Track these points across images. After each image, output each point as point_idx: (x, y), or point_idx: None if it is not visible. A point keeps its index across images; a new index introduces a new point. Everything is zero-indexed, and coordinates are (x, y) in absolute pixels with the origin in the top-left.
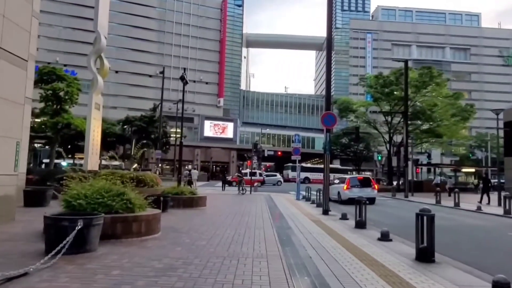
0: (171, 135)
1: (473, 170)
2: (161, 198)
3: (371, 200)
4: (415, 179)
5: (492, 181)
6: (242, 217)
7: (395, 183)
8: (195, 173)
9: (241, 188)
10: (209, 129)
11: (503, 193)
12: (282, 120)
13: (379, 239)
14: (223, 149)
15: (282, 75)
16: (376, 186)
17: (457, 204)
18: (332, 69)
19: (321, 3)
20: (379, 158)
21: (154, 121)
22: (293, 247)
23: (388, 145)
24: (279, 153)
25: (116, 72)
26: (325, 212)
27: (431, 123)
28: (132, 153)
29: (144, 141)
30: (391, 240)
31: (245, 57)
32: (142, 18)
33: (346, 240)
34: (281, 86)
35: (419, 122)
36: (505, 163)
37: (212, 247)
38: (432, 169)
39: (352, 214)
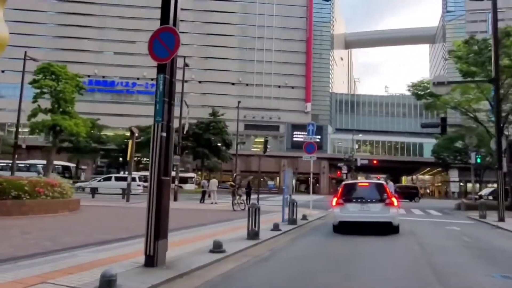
0: (241, 144)
1: None
2: None
3: None
4: None
5: None
6: None
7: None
8: (213, 183)
9: (236, 201)
10: (296, 137)
11: None
12: (383, 125)
13: None
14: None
15: (387, 77)
16: None
17: None
18: (443, 63)
19: None
20: None
21: (212, 127)
22: None
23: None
24: (374, 161)
25: (200, 82)
26: None
27: None
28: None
29: (199, 149)
30: None
31: (342, 59)
32: (223, 25)
33: None
34: (390, 88)
35: None
36: None
37: None
38: None
39: None
